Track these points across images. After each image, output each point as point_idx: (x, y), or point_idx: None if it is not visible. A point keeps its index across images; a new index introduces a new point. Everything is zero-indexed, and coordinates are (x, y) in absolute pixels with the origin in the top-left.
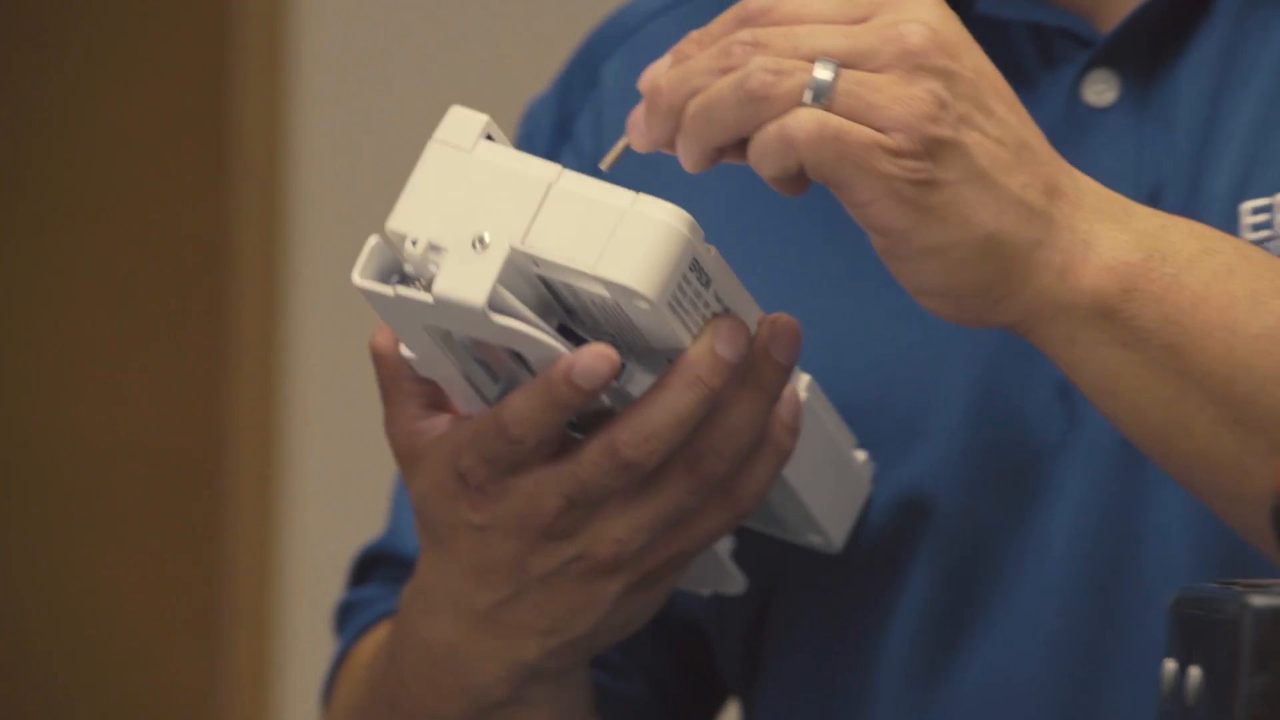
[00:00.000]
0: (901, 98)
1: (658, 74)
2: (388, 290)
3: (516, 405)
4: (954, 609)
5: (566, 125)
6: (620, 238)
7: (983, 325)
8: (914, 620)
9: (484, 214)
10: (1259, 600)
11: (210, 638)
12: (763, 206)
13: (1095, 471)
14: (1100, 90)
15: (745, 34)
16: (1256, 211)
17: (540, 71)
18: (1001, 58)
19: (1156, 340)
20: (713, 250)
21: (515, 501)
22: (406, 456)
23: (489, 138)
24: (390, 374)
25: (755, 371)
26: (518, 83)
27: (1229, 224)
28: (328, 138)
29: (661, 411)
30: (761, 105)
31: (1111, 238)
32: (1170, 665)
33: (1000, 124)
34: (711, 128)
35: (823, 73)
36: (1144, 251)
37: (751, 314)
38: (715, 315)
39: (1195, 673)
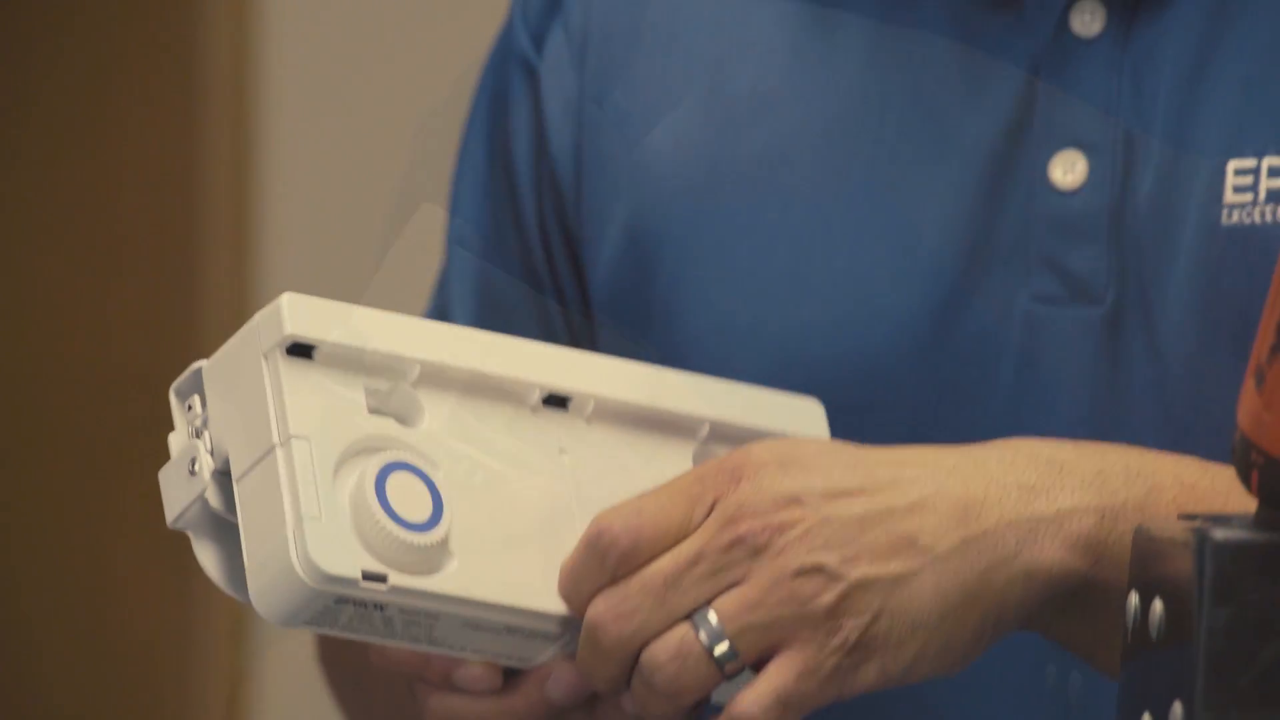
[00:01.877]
0: (784, 599)
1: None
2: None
3: None
4: None
5: None
6: (271, 550)
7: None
8: None
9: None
10: (1220, 533)
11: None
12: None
13: None
14: (1086, 20)
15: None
16: (1240, 173)
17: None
18: None
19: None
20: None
21: None
22: None
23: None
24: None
25: None
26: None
27: (1214, 179)
28: (297, 63)
29: None
30: (685, 696)
31: (1048, 526)
32: (1133, 598)
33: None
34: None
35: (712, 640)
36: (1096, 515)
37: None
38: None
39: (1158, 606)
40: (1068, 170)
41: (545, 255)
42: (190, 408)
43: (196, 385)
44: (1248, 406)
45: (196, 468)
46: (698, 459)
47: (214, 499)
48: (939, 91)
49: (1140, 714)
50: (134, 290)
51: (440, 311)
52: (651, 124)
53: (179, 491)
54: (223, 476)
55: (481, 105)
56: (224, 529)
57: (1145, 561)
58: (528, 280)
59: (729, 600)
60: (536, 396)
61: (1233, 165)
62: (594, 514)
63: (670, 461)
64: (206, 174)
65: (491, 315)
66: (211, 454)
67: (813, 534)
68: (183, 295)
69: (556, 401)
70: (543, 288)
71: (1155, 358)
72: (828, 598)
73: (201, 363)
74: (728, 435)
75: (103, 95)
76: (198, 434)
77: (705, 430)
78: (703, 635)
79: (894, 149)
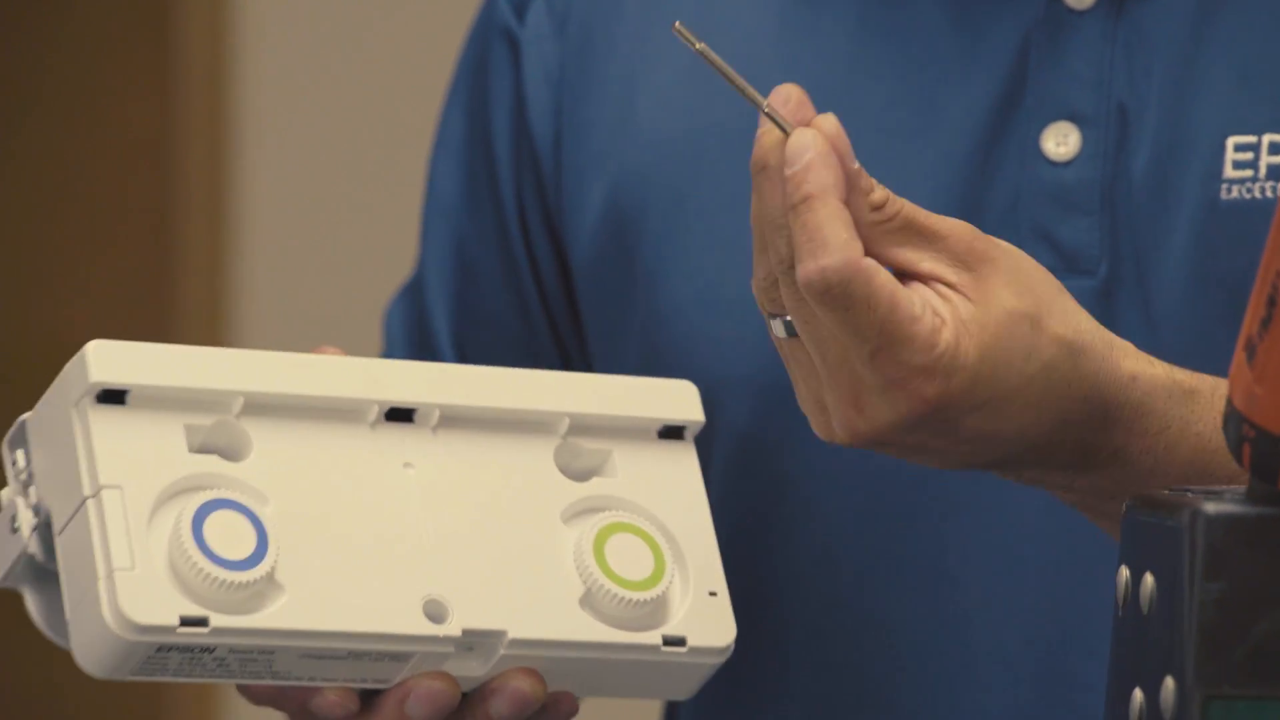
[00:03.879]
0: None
1: None
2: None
3: None
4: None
5: None
6: (86, 605)
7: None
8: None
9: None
10: (1211, 507)
11: None
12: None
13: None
14: None
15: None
16: (1240, 149)
17: None
18: None
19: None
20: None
21: None
22: None
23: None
24: None
25: None
26: None
27: (1213, 155)
28: (275, 34)
29: None
30: None
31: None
32: (1124, 573)
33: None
34: None
35: None
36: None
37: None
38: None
39: (1149, 580)
40: (1060, 142)
41: (521, 228)
42: (15, 462)
43: (23, 438)
44: (1239, 380)
45: (17, 524)
46: (559, 456)
47: (40, 553)
48: (928, 62)
49: (1131, 689)
50: (109, 269)
51: (417, 282)
52: (634, 89)
53: (3, 549)
54: (48, 529)
55: (462, 76)
56: (53, 581)
57: (1136, 536)
58: (503, 250)
59: None
60: (375, 413)
61: (1232, 141)
62: (445, 526)
63: (529, 462)
64: (184, 154)
65: (467, 285)
66: (36, 509)
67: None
68: (159, 274)
69: (399, 415)
70: (518, 260)
71: (1149, 330)
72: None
73: (26, 415)
74: (591, 428)
75: (81, 74)
76: (25, 488)
77: (565, 425)
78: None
79: (882, 119)
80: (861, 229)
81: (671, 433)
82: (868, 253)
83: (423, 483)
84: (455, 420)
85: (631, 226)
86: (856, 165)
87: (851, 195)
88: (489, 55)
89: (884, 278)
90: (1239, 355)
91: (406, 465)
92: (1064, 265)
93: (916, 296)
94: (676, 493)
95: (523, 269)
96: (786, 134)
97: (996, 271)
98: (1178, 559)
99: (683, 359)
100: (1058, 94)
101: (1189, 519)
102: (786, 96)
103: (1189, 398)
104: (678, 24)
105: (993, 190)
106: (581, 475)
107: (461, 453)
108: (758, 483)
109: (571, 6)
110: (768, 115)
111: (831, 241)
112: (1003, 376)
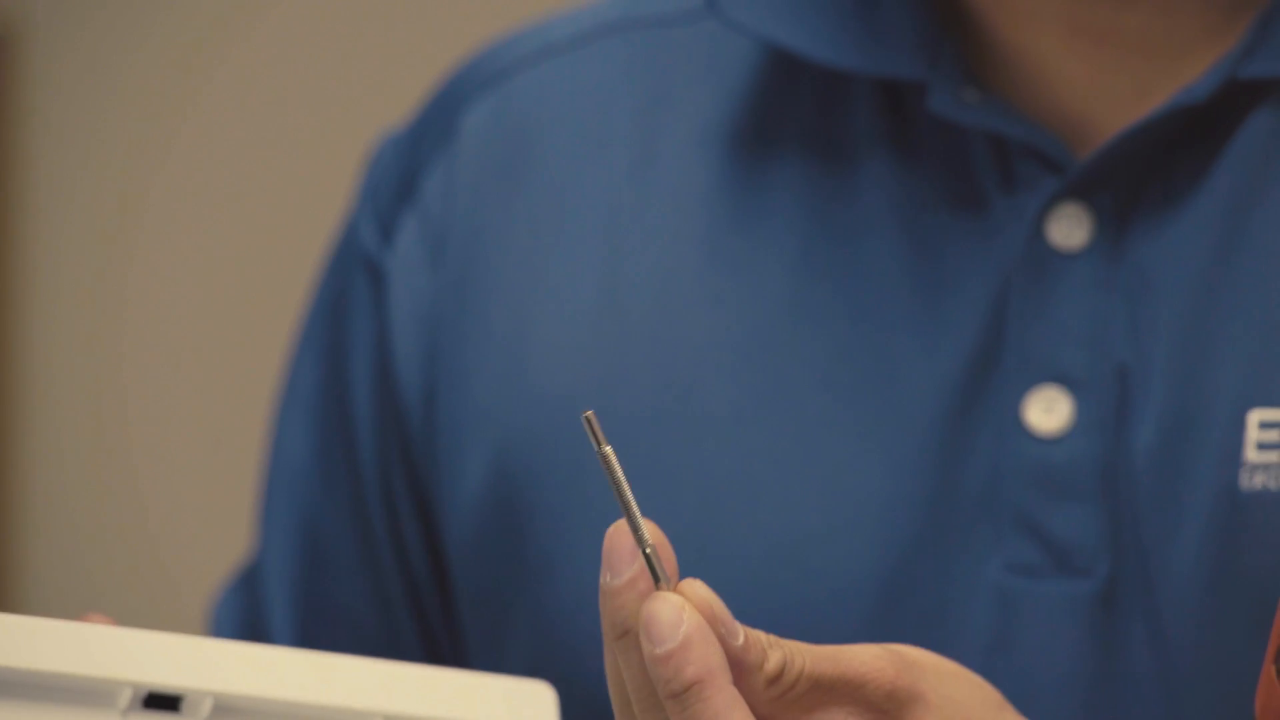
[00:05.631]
0: None
1: None
2: None
3: None
4: None
5: (413, 181)
6: None
7: None
8: None
9: None
10: None
11: None
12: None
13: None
14: (1067, 228)
15: None
16: (1266, 426)
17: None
18: (952, 173)
19: None
20: None
21: None
22: None
23: None
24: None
25: None
26: None
27: (1232, 432)
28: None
29: None
30: None
31: None
32: None
33: None
34: None
35: None
36: None
37: None
38: None
39: None
40: (1047, 411)
41: (384, 502)
42: None
43: None
44: (1268, 701)
45: None
46: None
47: None
48: (885, 307)
49: None
50: None
51: (254, 569)
52: (524, 334)
53: None
54: None
55: (316, 315)
56: None
57: None
58: (360, 529)
59: None
60: (128, 697)
61: (1255, 416)
62: None
63: None
64: None
65: (314, 572)
66: None
67: None
68: None
69: (162, 703)
70: (378, 542)
71: (1158, 646)
72: None
73: None
74: None
75: None
76: None
77: None
78: None
79: (828, 376)
80: (759, 710)
81: None
82: None
83: None
84: (231, 713)
85: (521, 500)
86: (741, 638)
87: (743, 676)
88: (348, 290)
89: None
90: (1268, 671)
91: None
92: (1054, 564)
93: None
94: None
95: (384, 553)
96: (657, 586)
97: (928, 712)
98: None
99: (581, 666)
100: (1043, 352)
101: None
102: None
103: None
104: (588, 414)
105: (965, 470)
106: None
107: None
108: None
109: (449, 230)
110: (648, 560)
111: None
112: None
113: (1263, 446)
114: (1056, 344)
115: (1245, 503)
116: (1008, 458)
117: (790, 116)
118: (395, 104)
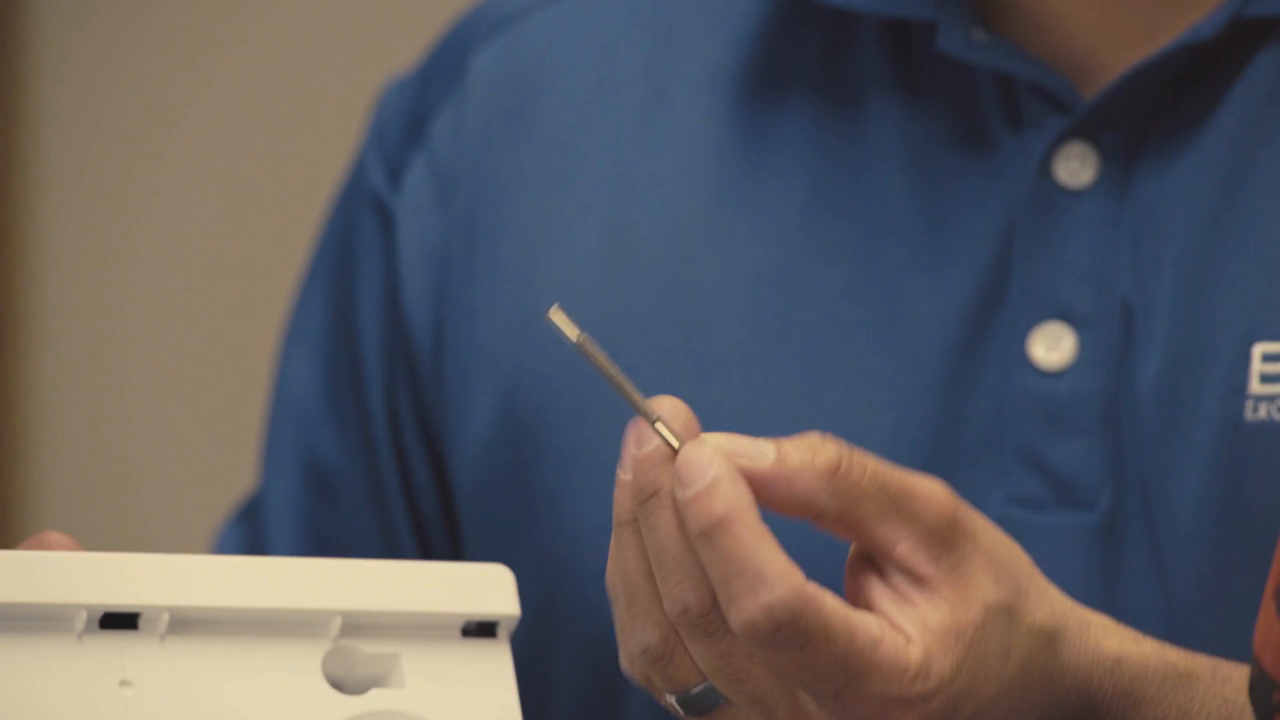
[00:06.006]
0: None
1: None
2: None
3: None
4: None
5: (421, 124)
6: None
7: None
8: None
9: None
10: None
11: None
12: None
13: None
14: (1074, 167)
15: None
16: (1270, 359)
17: None
18: (960, 113)
19: None
20: None
21: None
22: None
23: None
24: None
25: None
26: None
27: (1236, 365)
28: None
29: None
30: None
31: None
32: None
33: None
34: None
35: None
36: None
37: None
38: None
39: None
40: (1051, 347)
41: (392, 440)
42: None
43: None
44: (1269, 637)
45: None
46: (329, 664)
47: None
48: (893, 246)
49: None
50: None
51: (256, 502)
52: (534, 274)
53: None
54: None
55: (324, 254)
56: None
57: None
58: (368, 466)
59: None
60: (83, 620)
61: (1259, 349)
62: None
63: (288, 675)
64: None
65: (320, 507)
66: None
67: None
68: None
69: (120, 621)
70: (386, 479)
71: (1159, 577)
72: None
73: None
74: (370, 627)
75: None
76: None
77: (336, 626)
78: None
79: (837, 313)
80: (823, 502)
81: (480, 630)
82: (839, 529)
83: (143, 706)
84: (189, 625)
85: (528, 440)
86: (772, 454)
87: (791, 483)
88: (356, 230)
89: (833, 603)
90: (1268, 607)
91: (123, 683)
92: (1056, 496)
93: (871, 616)
94: (483, 705)
95: (392, 489)
96: (674, 450)
97: (977, 551)
98: None
99: (588, 604)
100: (1048, 289)
101: None
102: (674, 412)
103: (1185, 682)
104: (553, 310)
105: (970, 405)
106: (359, 687)
107: (196, 666)
108: None
109: (458, 170)
110: (655, 429)
111: (769, 571)
112: (981, 685)
113: (1267, 379)
114: (1061, 281)
115: (1249, 434)
116: (1012, 392)
117: (799, 58)
118: None
